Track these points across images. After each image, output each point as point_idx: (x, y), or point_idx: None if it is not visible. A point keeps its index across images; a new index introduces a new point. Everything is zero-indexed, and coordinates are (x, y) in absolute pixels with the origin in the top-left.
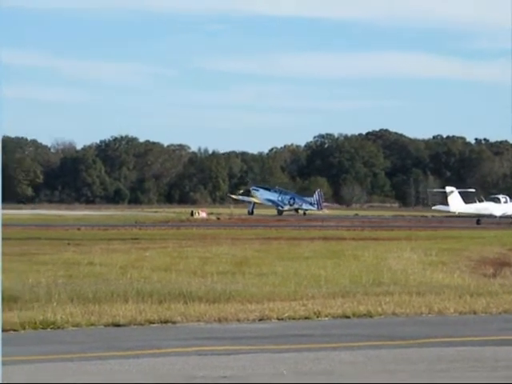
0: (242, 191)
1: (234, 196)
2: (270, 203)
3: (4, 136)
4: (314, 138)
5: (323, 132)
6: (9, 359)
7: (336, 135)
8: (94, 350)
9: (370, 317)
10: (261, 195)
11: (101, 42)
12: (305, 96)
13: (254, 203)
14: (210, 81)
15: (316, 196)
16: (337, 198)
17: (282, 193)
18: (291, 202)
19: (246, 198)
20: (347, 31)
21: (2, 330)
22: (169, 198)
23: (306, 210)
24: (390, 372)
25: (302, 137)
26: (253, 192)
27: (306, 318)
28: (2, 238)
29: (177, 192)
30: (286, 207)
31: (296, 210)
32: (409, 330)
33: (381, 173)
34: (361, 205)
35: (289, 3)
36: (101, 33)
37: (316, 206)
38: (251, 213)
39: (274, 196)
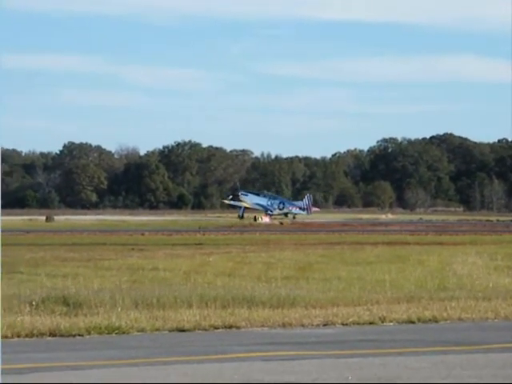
0: (231, 196)
1: (226, 201)
2: (259, 207)
3: (69, 142)
4: (378, 142)
5: (387, 136)
6: (75, 364)
7: (399, 139)
8: (159, 355)
9: (436, 322)
10: (250, 200)
11: (165, 47)
12: (368, 100)
13: (245, 208)
14: (274, 86)
15: (306, 200)
16: (400, 202)
17: (271, 198)
18: (280, 206)
19: (237, 203)
20: (411, 35)
21: (69, 335)
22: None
23: (296, 214)
24: (456, 378)
25: (365, 141)
26: (242, 197)
27: (370, 323)
28: (72, 243)
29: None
30: (276, 211)
31: (285, 214)
32: (475, 336)
33: (445, 177)
34: (425, 209)
35: (355, 8)
36: (165, 38)
37: (305, 210)
38: (241, 217)
39: (263, 201)
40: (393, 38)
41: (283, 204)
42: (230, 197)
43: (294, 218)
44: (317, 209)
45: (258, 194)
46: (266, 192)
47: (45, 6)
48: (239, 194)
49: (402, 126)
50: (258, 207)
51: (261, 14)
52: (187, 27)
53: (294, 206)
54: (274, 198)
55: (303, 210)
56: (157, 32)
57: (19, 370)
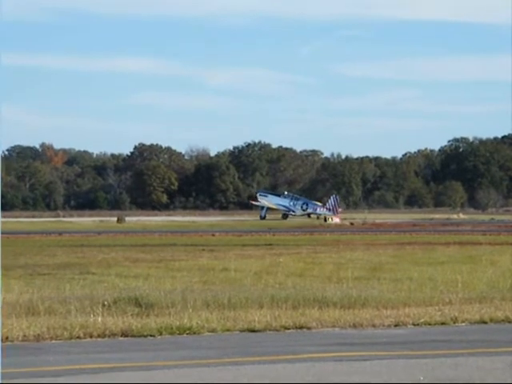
0: (250, 198)
1: (253, 202)
2: (283, 208)
3: (139, 144)
4: (449, 142)
5: (458, 136)
6: (147, 364)
7: (471, 139)
8: (230, 356)
9: (509, 322)
10: (269, 201)
11: (235, 49)
12: (439, 100)
13: (267, 208)
14: (344, 87)
15: (331, 201)
16: (472, 202)
17: (293, 198)
18: (304, 207)
19: (265, 204)
20: (484, 34)
21: (140, 336)
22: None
23: (320, 214)
24: None
25: (436, 141)
26: (260, 198)
27: (442, 323)
28: (143, 244)
29: (310, 198)
30: (299, 212)
31: (309, 214)
32: None
33: None
34: (496, 209)
35: (426, 7)
36: (236, 40)
37: (331, 211)
38: (264, 217)
39: (284, 202)
40: (465, 37)
41: (307, 205)
42: (250, 199)
43: (317, 218)
44: (340, 209)
45: (278, 195)
46: (285, 193)
47: (121, 10)
48: (258, 195)
49: (474, 125)
50: (281, 208)
51: (331, 15)
52: (257, 28)
53: (318, 206)
54: (297, 199)
55: (329, 210)
56: (226, 33)
57: (92, 370)
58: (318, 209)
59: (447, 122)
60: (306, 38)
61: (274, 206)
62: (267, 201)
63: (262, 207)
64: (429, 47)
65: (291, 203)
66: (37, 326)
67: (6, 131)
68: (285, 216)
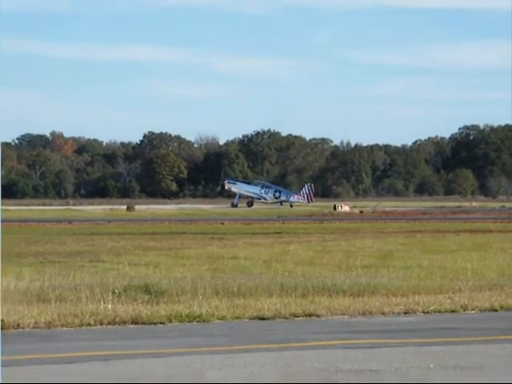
0: (219, 187)
1: (225, 188)
2: (255, 195)
3: (149, 132)
4: (459, 129)
5: (468, 123)
6: (157, 351)
7: (482, 126)
8: (240, 343)
9: None
10: (239, 188)
11: (247, 36)
12: (451, 87)
13: (240, 195)
14: (355, 74)
15: (306, 189)
16: (482, 190)
17: (264, 186)
18: (276, 194)
19: (242, 191)
20: (497, 21)
21: (150, 323)
22: None
23: (293, 202)
24: None
25: (446, 128)
26: (228, 186)
27: (452, 311)
28: (153, 233)
29: (319, 186)
30: (270, 200)
31: (281, 202)
32: None
33: None
34: (507, 196)
35: None
36: (247, 27)
37: (306, 198)
38: (235, 205)
39: (254, 189)
40: (478, 23)
41: (280, 192)
42: (218, 187)
43: (291, 206)
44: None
45: (248, 183)
46: (256, 181)
47: None
48: (225, 182)
49: (485, 112)
50: (253, 195)
51: (345, 1)
52: (268, 15)
53: (291, 194)
54: (269, 187)
55: (303, 198)
56: (236, 21)
57: (103, 356)
58: (292, 197)
59: (458, 109)
60: (318, 25)
61: (246, 193)
62: (237, 188)
63: (235, 194)
64: (442, 34)
65: (262, 191)
66: (48, 313)
67: (17, 119)
68: (250, 204)
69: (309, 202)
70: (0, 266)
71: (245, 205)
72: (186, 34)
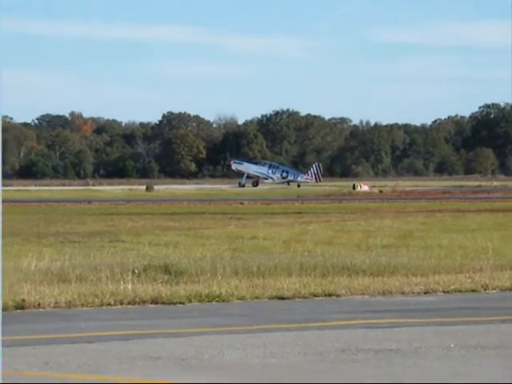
0: (226, 166)
1: (231, 166)
2: (262, 175)
3: (168, 112)
4: (480, 108)
5: (489, 102)
6: (177, 331)
7: (502, 105)
8: (260, 323)
9: None
10: (246, 168)
11: (264, 15)
12: (471, 65)
13: (248, 175)
14: (374, 52)
15: (313, 169)
16: (503, 168)
17: (272, 166)
18: (284, 174)
19: (249, 171)
20: None
21: (170, 303)
22: (330, 172)
23: (301, 182)
24: None
25: (467, 107)
26: (235, 165)
27: (472, 290)
28: (172, 213)
29: (338, 165)
30: (277, 180)
31: (288, 182)
32: None
33: None
34: None
35: None
36: (265, 6)
37: (314, 178)
38: (243, 185)
39: (261, 169)
40: (500, 0)
41: (287, 173)
42: (226, 167)
43: (298, 186)
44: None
45: (255, 163)
46: (263, 161)
47: None
48: (231, 162)
49: (506, 90)
50: (260, 175)
51: None
52: None
53: (299, 174)
54: (276, 167)
55: (311, 178)
56: (255, 1)
57: (123, 336)
58: (300, 177)
59: (479, 88)
60: (336, 2)
61: (253, 173)
62: (243, 168)
63: (243, 174)
64: (463, 12)
65: (269, 171)
66: (68, 293)
67: (36, 100)
68: (255, 183)
69: (317, 181)
70: (1, 246)
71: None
72: (201, 13)
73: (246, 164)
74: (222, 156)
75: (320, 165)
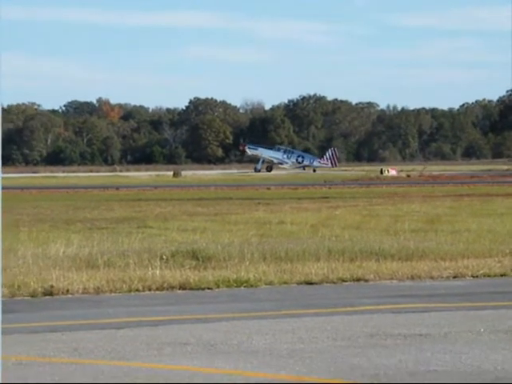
0: (239, 152)
1: (244, 150)
2: (276, 160)
3: (195, 98)
4: (507, 91)
5: None
6: (205, 317)
7: None
8: (288, 308)
9: None
10: (260, 153)
11: (290, 2)
12: (498, 49)
13: (263, 160)
14: (401, 37)
15: (329, 153)
16: None
17: (286, 151)
18: (299, 159)
19: (264, 156)
20: None
21: (198, 289)
22: (357, 156)
23: (317, 167)
24: None
25: (494, 91)
26: (249, 150)
27: (501, 275)
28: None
29: (366, 150)
30: (292, 165)
31: (304, 167)
32: None
33: None
34: None
35: None
36: None
37: (330, 163)
38: (259, 170)
39: (277, 154)
40: None
41: (302, 157)
42: (239, 152)
43: (314, 171)
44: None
45: (270, 148)
46: (277, 146)
47: None
48: (246, 147)
49: None
50: (275, 160)
51: None
52: None
53: (315, 159)
54: (291, 152)
55: (327, 162)
56: None
57: (151, 322)
58: (316, 161)
59: (506, 72)
60: None
61: (269, 158)
62: (258, 153)
63: (258, 160)
64: None
65: (284, 156)
66: (96, 279)
67: (64, 87)
68: (269, 168)
69: (333, 166)
70: (1, 237)
71: (265, 170)
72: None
73: (260, 149)
74: (250, 141)
75: (335, 149)
